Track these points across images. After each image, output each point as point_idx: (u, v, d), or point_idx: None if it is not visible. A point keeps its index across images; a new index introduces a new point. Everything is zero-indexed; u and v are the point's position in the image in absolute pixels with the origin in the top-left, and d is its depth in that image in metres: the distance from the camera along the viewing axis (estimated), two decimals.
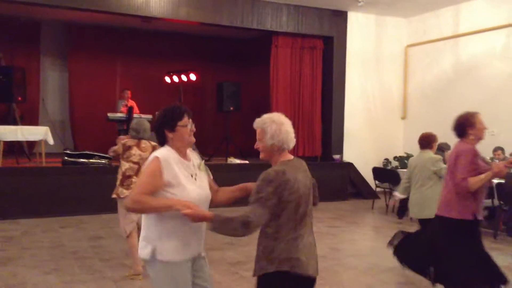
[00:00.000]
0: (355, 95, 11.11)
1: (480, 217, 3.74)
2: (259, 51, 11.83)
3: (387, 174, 9.31)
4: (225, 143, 10.26)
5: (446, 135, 9.78)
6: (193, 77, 12.23)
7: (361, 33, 11.09)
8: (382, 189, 9.35)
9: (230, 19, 9.90)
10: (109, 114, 9.98)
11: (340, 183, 10.32)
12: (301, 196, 2.43)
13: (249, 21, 10.02)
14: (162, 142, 2.62)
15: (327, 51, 10.94)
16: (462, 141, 3.89)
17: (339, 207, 9.41)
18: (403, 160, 10.50)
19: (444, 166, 4.88)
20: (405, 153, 10.82)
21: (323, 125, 10.98)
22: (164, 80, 12.76)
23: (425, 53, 11.01)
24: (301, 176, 2.48)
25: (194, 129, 2.65)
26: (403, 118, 11.59)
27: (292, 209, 2.40)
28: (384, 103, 11.41)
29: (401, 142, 11.50)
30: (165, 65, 12.62)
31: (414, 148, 10.35)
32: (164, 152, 2.54)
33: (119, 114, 10.07)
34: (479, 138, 3.82)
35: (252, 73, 12.71)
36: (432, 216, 4.13)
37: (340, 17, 10.79)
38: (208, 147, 10.72)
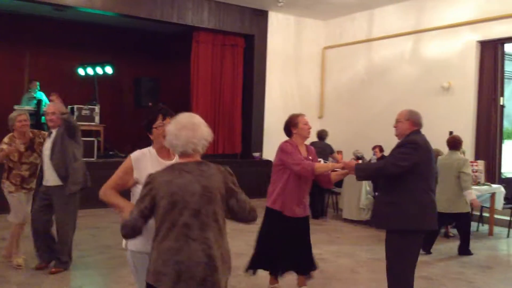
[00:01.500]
0: (275, 94, 11.29)
1: (288, 213, 4.31)
2: (179, 46, 11.62)
3: None
4: (144, 140, 9.93)
5: (359, 134, 10.34)
6: (109, 70, 11.69)
7: (282, 33, 11.28)
8: None
9: (149, 11, 9.62)
10: (15, 107, 9.29)
11: (259, 181, 10.42)
12: (176, 202, 2.27)
13: (169, 14, 9.80)
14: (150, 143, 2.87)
15: (248, 49, 11.01)
16: (288, 140, 4.44)
17: (258, 204, 9.44)
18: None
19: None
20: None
21: (243, 123, 11.03)
22: (78, 72, 12.11)
23: (341, 55, 11.44)
24: (187, 181, 2.30)
25: None
26: (320, 117, 11.96)
27: (164, 214, 2.28)
28: (302, 102, 11.69)
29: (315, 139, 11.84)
30: (78, 56, 11.97)
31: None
32: (140, 152, 2.79)
33: (26, 107, 9.42)
34: (303, 136, 4.42)
35: (172, 69, 12.45)
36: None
37: (261, 16, 10.90)
38: (126, 144, 10.35)
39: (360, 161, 8.84)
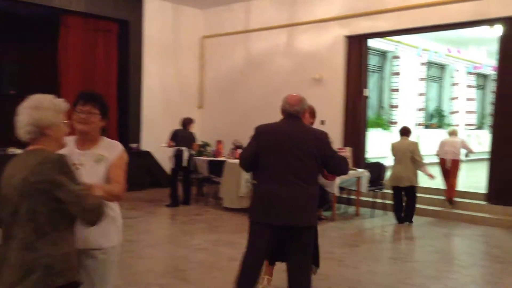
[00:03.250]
0: (153, 83, 10.96)
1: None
2: (47, 30, 10.69)
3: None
4: (5, 131, 9.01)
5: (239, 124, 10.50)
6: None
7: (158, 20, 10.97)
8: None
9: None
10: None
11: (138, 173, 10.08)
12: (4, 197, 2.08)
13: None
14: None
15: (123, 35, 10.52)
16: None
17: (136, 197, 9.19)
18: (200, 148, 10.78)
19: None
20: (202, 141, 11.15)
21: (119, 113, 10.55)
22: None
23: (220, 45, 11.48)
24: (9, 173, 2.10)
25: (83, 116, 2.51)
26: (200, 107, 11.91)
27: None
28: (182, 92, 11.54)
29: (198, 130, 11.77)
30: None
31: (211, 137, 10.86)
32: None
33: None
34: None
35: (39, 55, 11.42)
36: None
37: (136, 1, 10.47)
38: None
39: (239, 150, 9.06)
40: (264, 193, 3.39)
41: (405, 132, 7.76)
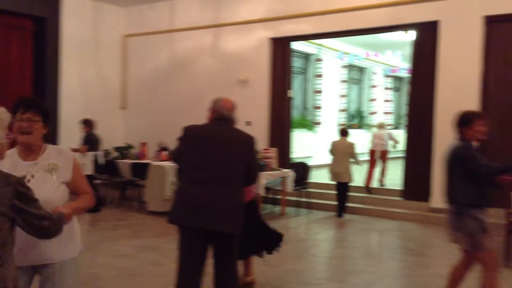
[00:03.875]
0: (72, 83, 10.47)
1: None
2: None
3: (107, 165, 9.13)
4: None
5: (164, 125, 10.30)
6: None
7: (78, 18, 10.50)
8: (101, 181, 9.12)
9: None
10: None
11: None
12: None
13: None
14: None
15: (39, 33, 9.94)
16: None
17: None
18: (122, 151, 10.47)
19: None
20: (125, 143, 10.83)
21: None
22: None
23: (143, 44, 11.20)
24: None
25: (25, 125, 2.35)
26: (123, 108, 11.55)
27: None
28: (103, 93, 11.12)
29: (121, 132, 11.44)
30: None
31: (134, 138, 10.57)
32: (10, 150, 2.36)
33: None
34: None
35: None
36: None
37: None
38: None
39: (164, 152, 8.89)
40: (188, 195, 3.27)
41: (344, 132, 8.44)
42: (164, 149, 9.04)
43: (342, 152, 8.23)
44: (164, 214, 7.89)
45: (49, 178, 2.40)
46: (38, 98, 2.53)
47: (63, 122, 10.25)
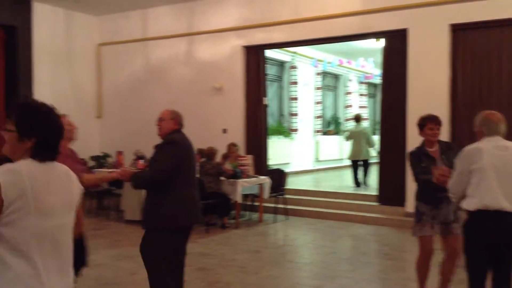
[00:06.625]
0: (46, 92, 10.27)
1: None
2: None
3: None
4: None
5: (140, 134, 10.25)
6: None
7: (49, 27, 10.38)
8: None
9: None
10: None
11: None
12: None
13: None
14: None
15: (10, 42, 9.79)
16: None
17: None
18: (100, 160, 10.37)
19: None
20: (102, 152, 10.73)
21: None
22: None
23: (117, 53, 11.14)
24: None
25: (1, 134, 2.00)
26: (99, 117, 11.46)
27: None
28: (78, 102, 11.00)
29: (97, 141, 11.33)
30: None
31: (111, 147, 10.48)
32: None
33: None
34: (69, 138, 3.71)
35: None
36: None
37: (23, 5, 9.80)
38: None
39: (141, 161, 8.82)
40: (188, 198, 3.77)
41: (358, 119, 10.46)
42: (140, 157, 8.97)
43: (359, 136, 10.05)
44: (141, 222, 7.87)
45: None
46: (21, 105, 1.99)
47: None
